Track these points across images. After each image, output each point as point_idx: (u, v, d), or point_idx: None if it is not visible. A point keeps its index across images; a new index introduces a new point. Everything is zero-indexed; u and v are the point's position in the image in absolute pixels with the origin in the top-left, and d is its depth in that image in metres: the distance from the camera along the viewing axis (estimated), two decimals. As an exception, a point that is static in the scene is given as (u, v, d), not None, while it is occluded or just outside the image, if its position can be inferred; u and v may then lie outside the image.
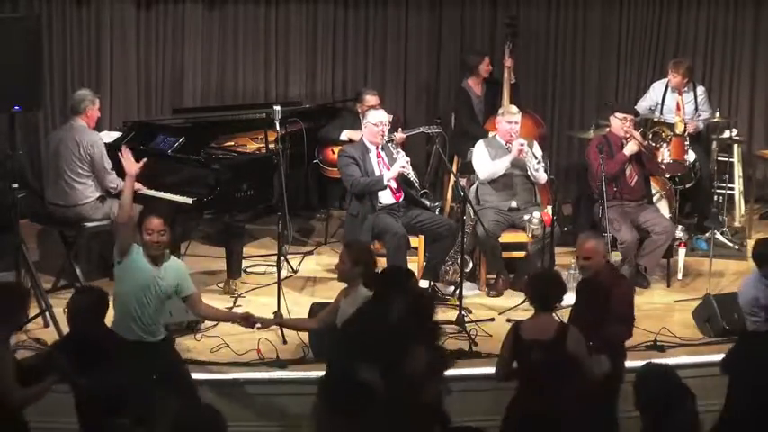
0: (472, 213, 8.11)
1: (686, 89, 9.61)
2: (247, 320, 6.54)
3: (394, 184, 8.18)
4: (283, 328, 7.24)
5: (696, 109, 9.68)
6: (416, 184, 8.26)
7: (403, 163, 8.15)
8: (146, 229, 6.26)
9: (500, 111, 8.64)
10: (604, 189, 8.07)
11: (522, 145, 8.30)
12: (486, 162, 8.42)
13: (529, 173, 8.40)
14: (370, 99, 9.22)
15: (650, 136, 8.72)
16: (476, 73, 9.72)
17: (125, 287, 6.29)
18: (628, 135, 8.39)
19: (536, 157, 8.38)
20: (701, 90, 9.80)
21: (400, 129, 9.19)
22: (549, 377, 5.66)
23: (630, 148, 8.36)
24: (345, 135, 9.20)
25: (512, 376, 5.90)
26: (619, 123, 8.45)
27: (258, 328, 6.71)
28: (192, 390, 6.35)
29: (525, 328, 5.82)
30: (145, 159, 6.94)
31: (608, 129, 8.71)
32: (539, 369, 5.72)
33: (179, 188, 8.29)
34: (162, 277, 6.30)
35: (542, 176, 8.39)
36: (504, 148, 8.40)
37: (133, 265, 6.27)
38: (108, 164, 8.05)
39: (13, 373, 5.39)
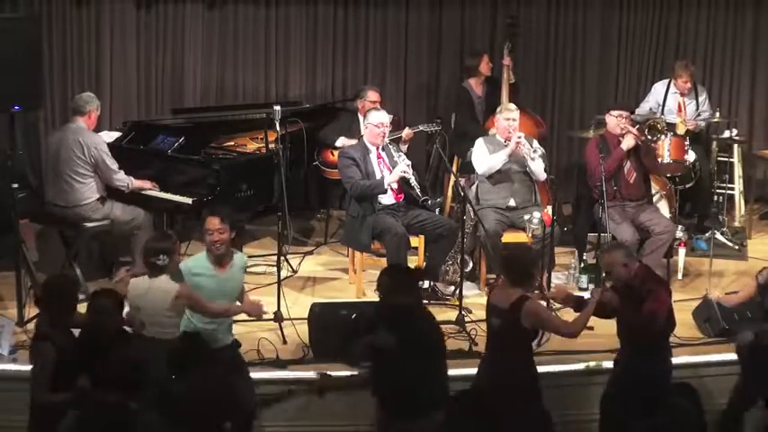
0: (472, 213, 8.11)
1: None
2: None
3: (395, 185, 8.19)
4: (283, 329, 7.27)
5: (697, 110, 9.68)
6: (417, 190, 8.25)
7: (404, 167, 8.14)
8: (206, 230, 6.23)
9: (498, 108, 8.65)
10: (604, 189, 8.07)
11: (519, 137, 8.30)
12: (484, 157, 8.42)
13: (527, 168, 8.39)
14: (373, 95, 9.24)
15: (646, 130, 8.71)
16: (477, 73, 9.73)
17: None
18: (624, 131, 8.38)
19: (532, 146, 8.37)
20: (702, 92, 9.80)
21: (407, 127, 9.19)
22: (499, 344, 6.06)
23: (627, 143, 8.34)
24: (341, 142, 9.19)
25: None
26: (615, 121, 8.44)
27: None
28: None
29: (495, 294, 6.20)
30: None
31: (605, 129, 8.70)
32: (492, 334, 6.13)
33: (179, 188, 8.29)
34: (229, 278, 6.32)
35: (540, 171, 8.38)
36: (504, 146, 8.41)
37: (195, 281, 6.23)
38: (113, 163, 8.06)
39: None
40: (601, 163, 8.12)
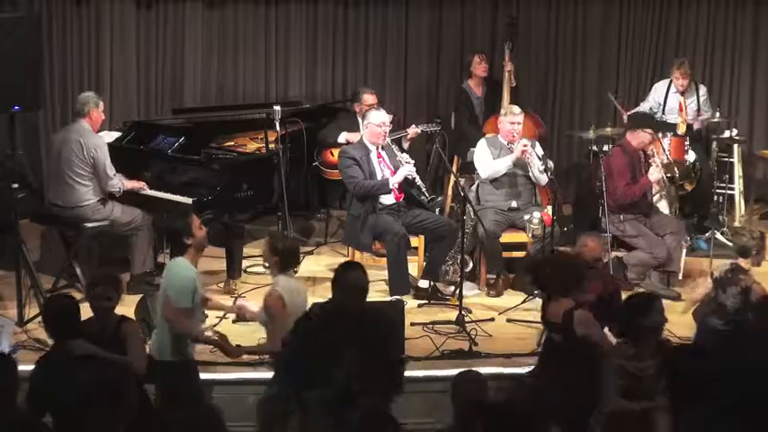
0: (472, 213, 8.11)
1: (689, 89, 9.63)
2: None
3: (397, 186, 8.19)
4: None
5: (698, 109, 9.67)
6: (424, 189, 8.24)
7: (410, 168, 8.14)
8: (198, 228, 6.11)
9: (502, 111, 8.64)
10: (604, 189, 8.06)
11: (525, 145, 8.30)
12: (487, 161, 8.41)
13: (530, 174, 8.39)
14: (369, 98, 9.23)
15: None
16: (470, 74, 9.74)
17: None
18: (651, 155, 8.33)
19: (540, 158, 8.37)
20: (703, 90, 9.80)
21: (413, 125, 9.18)
22: (563, 360, 5.94)
23: (655, 176, 8.29)
24: (343, 138, 9.20)
25: None
26: (648, 138, 8.35)
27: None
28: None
29: (549, 309, 6.14)
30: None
31: (623, 138, 8.59)
32: (555, 351, 6.08)
33: (179, 188, 8.29)
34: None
35: (544, 178, 8.38)
36: (507, 148, 8.40)
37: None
38: (110, 169, 8.02)
39: None
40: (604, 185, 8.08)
